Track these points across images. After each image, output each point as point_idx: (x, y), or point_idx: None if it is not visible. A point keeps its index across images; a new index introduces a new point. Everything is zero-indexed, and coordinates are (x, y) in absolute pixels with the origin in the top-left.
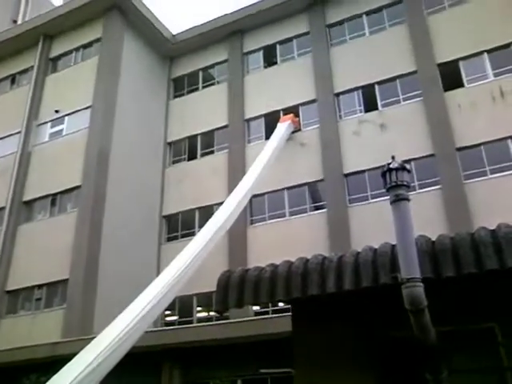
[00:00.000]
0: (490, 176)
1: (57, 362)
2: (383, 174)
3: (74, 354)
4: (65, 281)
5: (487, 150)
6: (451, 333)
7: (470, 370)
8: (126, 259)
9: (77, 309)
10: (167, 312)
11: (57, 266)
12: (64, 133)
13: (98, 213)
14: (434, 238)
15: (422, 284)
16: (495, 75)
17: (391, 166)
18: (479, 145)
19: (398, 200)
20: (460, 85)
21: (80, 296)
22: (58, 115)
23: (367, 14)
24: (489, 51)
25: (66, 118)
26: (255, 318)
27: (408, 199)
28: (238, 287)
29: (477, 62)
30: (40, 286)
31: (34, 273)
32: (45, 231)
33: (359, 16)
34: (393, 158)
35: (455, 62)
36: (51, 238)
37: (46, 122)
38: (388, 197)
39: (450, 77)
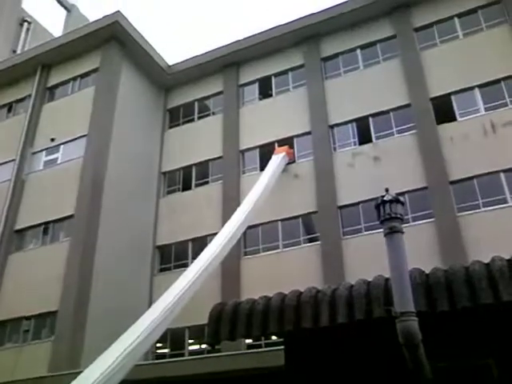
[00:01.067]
0: (483, 209)
1: None
2: (377, 207)
3: None
4: (54, 312)
5: (480, 183)
6: (447, 368)
7: None
8: (117, 290)
9: (65, 341)
10: (158, 344)
11: (46, 296)
12: (59, 161)
13: (91, 242)
14: (427, 271)
15: (416, 318)
16: (486, 109)
17: (385, 198)
18: (472, 178)
19: (391, 232)
20: (452, 118)
21: (69, 328)
22: (53, 144)
23: (361, 47)
24: (480, 86)
25: (62, 146)
26: (248, 351)
27: (402, 232)
28: (230, 320)
29: (468, 96)
30: (28, 318)
31: (22, 303)
32: (36, 261)
33: (353, 50)
34: (387, 190)
35: (447, 95)
36: (42, 267)
37: (41, 151)
38: (382, 229)
39: (443, 110)
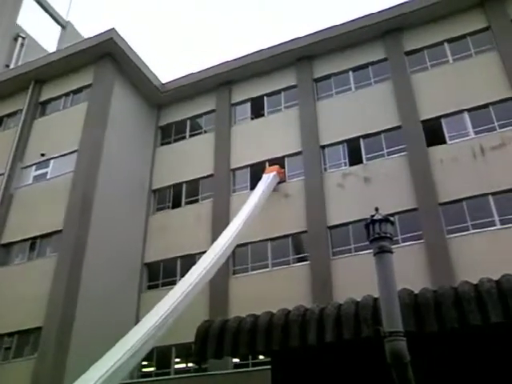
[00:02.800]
0: (472, 231)
1: None
2: (367, 226)
3: None
4: (38, 329)
5: (469, 206)
6: None
7: None
8: (104, 307)
9: (48, 359)
10: (144, 363)
11: (31, 312)
12: (48, 176)
13: (78, 258)
14: (417, 292)
15: (404, 338)
16: (476, 133)
17: (375, 217)
18: (461, 200)
19: (381, 252)
20: (442, 141)
21: (53, 346)
22: (43, 158)
23: (353, 70)
24: (469, 110)
25: (52, 161)
26: (234, 370)
27: (391, 251)
28: (217, 338)
29: (458, 119)
30: (11, 334)
31: (6, 319)
32: (21, 276)
33: (345, 71)
34: (376, 209)
35: (437, 118)
36: (27, 283)
37: (31, 165)
38: (371, 250)
39: (433, 133)
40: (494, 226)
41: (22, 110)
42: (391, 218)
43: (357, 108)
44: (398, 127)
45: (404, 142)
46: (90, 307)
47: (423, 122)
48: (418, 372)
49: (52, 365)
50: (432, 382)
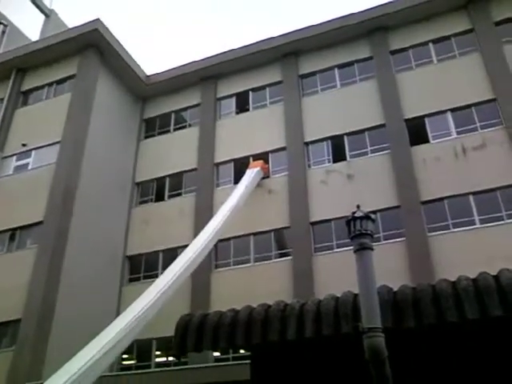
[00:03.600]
0: (453, 230)
1: None
2: (348, 223)
3: None
4: (17, 321)
5: (450, 205)
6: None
7: None
8: (84, 300)
9: (27, 352)
10: (125, 356)
11: (10, 304)
12: (30, 167)
13: (59, 251)
14: (396, 289)
15: (382, 334)
16: (458, 133)
17: (356, 214)
18: (442, 199)
19: (361, 249)
20: (425, 140)
21: (32, 338)
22: (24, 149)
23: (339, 67)
24: (452, 110)
25: (33, 152)
26: (214, 364)
27: (371, 248)
28: (197, 331)
29: (441, 119)
30: None
31: None
32: (0, 267)
33: (331, 68)
34: (358, 206)
35: (421, 118)
36: (6, 274)
37: (12, 155)
38: (352, 246)
39: (416, 132)
40: (474, 225)
41: (3, 99)
42: (372, 216)
43: (342, 105)
44: (382, 125)
45: (388, 141)
46: (71, 299)
47: (407, 120)
48: (395, 367)
49: (31, 357)
50: (409, 377)
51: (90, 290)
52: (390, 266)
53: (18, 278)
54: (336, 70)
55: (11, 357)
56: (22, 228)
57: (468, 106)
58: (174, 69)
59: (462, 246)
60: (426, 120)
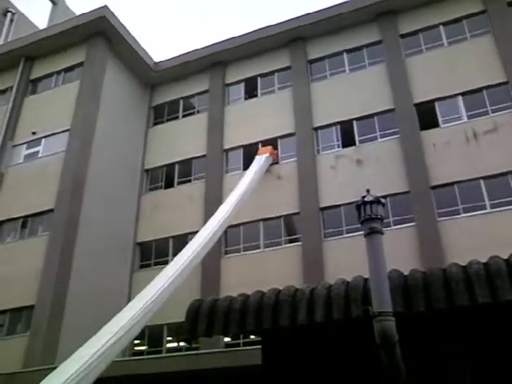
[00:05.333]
0: (463, 214)
1: None
2: (358, 207)
3: None
4: (30, 307)
5: (460, 189)
6: (422, 368)
7: None
8: (96, 286)
9: (41, 337)
10: (136, 341)
11: (23, 290)
12: (40, 155)
13: (70, 238)
14: (406, 273)
15: (393, 318)
16: (469, 117)
17: (366, 199)
18: (452, 184)
19: (371, 233)
20: (435, 124)
21: (45, 323)
22: (34, 137)
23: (347, 51)
24: (463, 94)
25: (43, 140)
26: (225, 349)
27: (381, 232)
28: (207, 316)
29: (451, 103)
30: (3, 312)
31: None
32: (13, 254)
33: (340, 53)
34: (368, 191)
35: (431, 102)
36: (19, 261)
37: (22, 144)
38: (362, 231)
39: (426, 116)
40: (485, 209)
41: (12, 88)
42: (382, 200)
43: (350, 90)
44: (392, 110)
45: (397, 125)
46: (83, 286)
47: (417, 105)
48: (406, 352)
49: (45, 342)
50: (420, 361)
51: (101, 276)
52: (400, 251)
53: (30, 265)
54: (345, 55)
55: (26, 341)
56: (33, 216)
57: (479, 90)
58: (181, 55)
59: (473, 231)
60: (436, 104)
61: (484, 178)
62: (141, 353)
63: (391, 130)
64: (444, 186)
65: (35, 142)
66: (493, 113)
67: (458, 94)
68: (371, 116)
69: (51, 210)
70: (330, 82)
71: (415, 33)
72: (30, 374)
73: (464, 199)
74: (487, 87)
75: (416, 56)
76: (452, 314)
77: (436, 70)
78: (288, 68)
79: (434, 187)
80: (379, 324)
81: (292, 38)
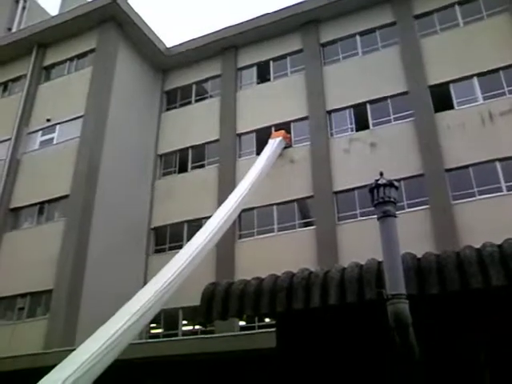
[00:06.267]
0: (478, 197)
1: (36, 374)
2: (371, 190)
3: (54, 366)
4: (49, 291)
5: (475, 172)
6: (435, 350)
7: None
8: (112, 270)
9: (60, 319)
10: (152, 325)
11: (41, 275)
12: (55, 142)
13: (86, 223)
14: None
15: (406, 300)
16: (484, 98)
17: (379, 182)
18: (468, 166)
19: (385, 216)
20: (450, 106)
21: (64, 307)
22: (49, 124)
23: (360, 34)
24: (478, 75)
25: (58, 126)
26: (240, 332)
27: (395, 216)
28: (222, 299)
29: (467, 84)
30: (23, 295)
31: (17, 281)
32: (31, 239)
33: (353, 36)
34: (381, 174)
35: (446, 84)
36: (37, 246)
37: (37, 131)
38: (376, 215)
39: (441, 98)
40: (501, 191)
41: (26, 75)
42: (396, 183)
43: (364, 73)
44: (406, 93)
45: (411, 108)
46: (99, 270)
47: (431, 87)
48: (419, 333)
49: (64, 324)
50: (434, 343)
51: (117, 260)
52: (414, 233)
53: (48, 250)
54: (358, 38)
55: (46, 324)
56: (49, 201)
57: (496, 70)
58: (193, 40)
59: (488, 214)
60: (451, 86)
61: (500, 159)
62: (157, 336)
63: (405, 113)
64: (459, 168)
65: (50, 129)
66: (510, 94)
67: (474, 75)
68: (385, 99)
69: (67, 196)
70: (343, 65)
71: (430, 13)
72: (51, 355)
73: (479, 182)
74: (504, 68)
75: (430, 37)
76: (465, 296)
77: (451, 51)
78: (300, 51)
79: (448, 170)
80: (393, 306)
81: (304, 20)
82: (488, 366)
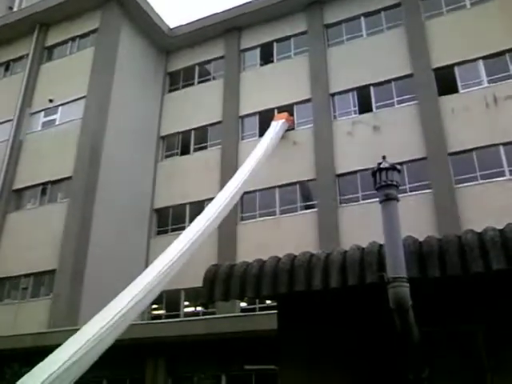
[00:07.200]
0: (481, 181)
1: (40, 353)
2: (373, 174)
3: (58, 345)
4: (52, 271)
5: (479, 156)
6: (434, 333)
7: (452, 370)
8: (114, 251)
9: (63, 299)
10: (154, 306)
11: (45, 255)
12: (57, 122)
13: (89, 204)
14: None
15: (407, 284)
16: (489, 82)
17: (382, 165)
18: (471, 150)
19: (387, 200)
20: (454, 90)
21: (67, 287)
22: (51, 104)
23: (365, 15)
24: (484, 58)
25: (60, 107)
26: (241, 314)
27: (397, 199)
28: (224, 281)
29: (472, 67)
30: (27, 276)
31: (21, 261)
32: (34, 220)
33: (357, 17)
34: (384, 157)
35: (451, 67)
36: (40, 227)
37: (40, 111)
38: (378, 198)
39: (445, 81)
40: (504, 176)
41: (28, 55)
42: (398, 167)
43: (368, 55)
44: (410, 75)
45: (415, 91)
46: (101, 251)
47: (435, 70)
48: (419, 317)
49: (67, 304)
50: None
51: (119, 242)
52: (416, 217)
53: (51, 231)
54: (362, 19)
55: (49, 304)
56: (52, 183)
57: (501, 53)
58: (197, 21)
59: (490, 198)
60: (456, 69)
61: (504, 144)
62: (159, 317)
63: (409, 96)
64: (462, 152)
65: (52, 110)
66: None
67: (479, 58)
68: (388, 81)
69: (69, 177)
70: (347, 46)
71: None
72: (55, 334)
73: (482, 166)
74: (510, 50)
75: (436, 19)
76: (466, 281)
77: (456, 34)
78: (304, 33)
79: (451, 154)
80: (393, 290)
81: (308, 1)
82: (487, 348)
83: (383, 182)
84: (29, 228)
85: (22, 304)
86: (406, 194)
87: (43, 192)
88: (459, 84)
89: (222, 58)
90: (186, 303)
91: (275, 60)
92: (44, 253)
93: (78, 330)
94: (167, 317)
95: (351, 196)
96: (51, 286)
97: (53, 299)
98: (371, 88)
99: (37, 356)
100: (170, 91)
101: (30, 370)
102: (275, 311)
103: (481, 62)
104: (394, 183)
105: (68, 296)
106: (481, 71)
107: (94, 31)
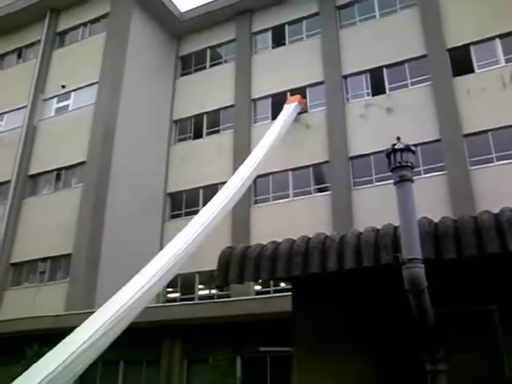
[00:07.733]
0: (496, 163)
1: (59, 333)
2: (388, 155)
3: (75, 327)
4: (68, 255)
5: (494, 137)
6: (449, 313)
7: (467, 350)
8: (129, 235)
9: (80, 283)
10: (169, 289)
11: (61, 239)
12: (70, 108)
13: (103, 189)
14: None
15: (422, 265)
16: (507, 61)
17: (396, 146)
18: (486, 131)
19: (401, 181)
20: (470, 70)
21: (83, 270)
22: (64, 90)
23: None
24: (501, 36)
25: (73, 93)
26: (256, 296)
27: (412, 180)
28: (239, 263)
29: (488, 47)
30: (44, 260)
31: (38, 246)
32: (49, 205)
33: None
34: (398, 138)
35: (466, 46)
36: (56, 212)
37: (53, 97)
38: (392, 180)
39: (460, 62)
40: None
41: (40, 41)
42: (412, 147)
43: (381, 36)
44: (424, 56)
45: (429, 72)
46: (116, 235)
47: (450, 50)
48: (434, 297)
49: (83, 287)
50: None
51: (134, 225)
52: (431, 199)
53: (66, 216)
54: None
55: (66, 287)
56: (66, 168)
57: None
58: (208, 4)
59: (506, 180)
60: (472, 48)
61: None
62: (174, 299)
63: (423, 77)
64: (477, 133)
65: (65, 96)
66: None
67: (496, 37)
68: (402, 63)
69: (83, 163)
70: (360, 28)
71: None
72: (72, 316)
73: (498, 147)
74: None
75: None
76: (482, 262)
77: (472, 12)
78: (316, 14)
79: (466, 135)
80: (408, 271)
81: None
82: (503, 328)
83: (398, 164)
84: (44, 213)
85: (40, 287)
86: (420, 177)
87: (58, 177)
88: (475, 64)
89: (233, 41)
90: (201, 286)
91: (287, 42)
92: (60, 237)
93: (94, 312)
94: (182, 300)
95: (365, 178)
96: (68, 270)
97: (69, 282)
98: (384, 69)
99: (56, 336)
100: (182, 75)
101: (50, 349)
102: (290, 293)
103: (497, 41)
104: (409, 164)
105: (84, 279)
106: (498, 50)
107: (104, 16)
